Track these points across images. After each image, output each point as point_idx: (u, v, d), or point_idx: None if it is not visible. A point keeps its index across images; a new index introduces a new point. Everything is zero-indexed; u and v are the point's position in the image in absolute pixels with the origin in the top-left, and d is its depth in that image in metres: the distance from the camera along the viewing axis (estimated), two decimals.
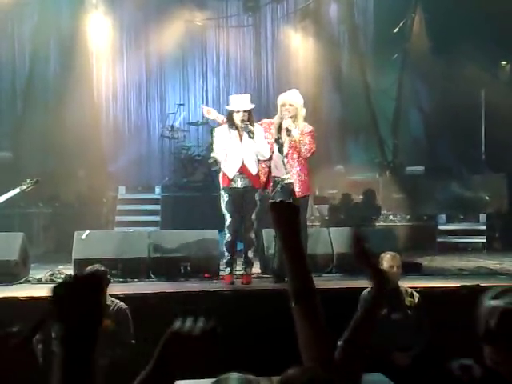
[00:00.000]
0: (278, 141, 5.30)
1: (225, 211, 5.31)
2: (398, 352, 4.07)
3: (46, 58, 10.41)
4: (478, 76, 9.89)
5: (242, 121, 5.17)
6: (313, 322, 1.35)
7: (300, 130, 5.21)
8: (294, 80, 11.26)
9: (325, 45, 11.27)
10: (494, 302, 1.45)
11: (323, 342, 1.34)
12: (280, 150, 5.30)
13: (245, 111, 5.19)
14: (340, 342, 1.41)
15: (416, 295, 4.36)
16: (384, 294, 1.48)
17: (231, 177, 5.28)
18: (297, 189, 5.25)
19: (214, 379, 1.45)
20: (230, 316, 4.59)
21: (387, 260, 4.32)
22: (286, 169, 5.29)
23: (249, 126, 5.17)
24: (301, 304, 1.37)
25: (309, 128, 5.27)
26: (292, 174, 5.26)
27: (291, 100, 5.23)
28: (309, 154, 5.25)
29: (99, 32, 10.51)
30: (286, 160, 5.29)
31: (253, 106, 5.31)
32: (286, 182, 5.32)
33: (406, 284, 4.49)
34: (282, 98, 5.31)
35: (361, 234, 1.53)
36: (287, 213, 1.47)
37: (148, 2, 10.83)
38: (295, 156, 5.25)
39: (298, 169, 5.27)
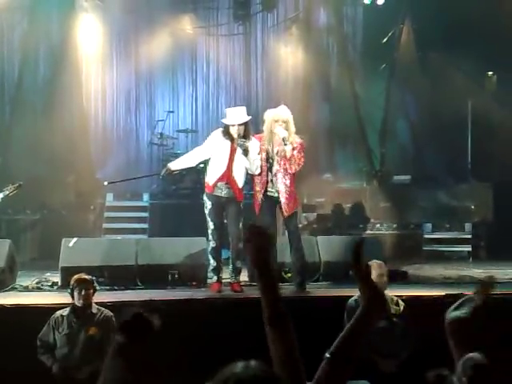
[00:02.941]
0: (267, 160, 5.34)
1: (208, 218, 5.36)
2: (383, 359, 4.10)
3: (35, 64, 10.37)
4: (464, 86, 10.02)
5: (239, 135, 5.22)
6: (283, 344, 1.38)
7: (290, 144, 5.26)
8: (283, 89, 11.34)
9: (314, 54, 11.35)
10: (453, 313, 1.49)
11: (293, 363, 1.37)
12: (270, 169, 5.36)
13: (240, 124, 5.23)
14: (327, 355, 1.42)
15: (401, 303, 4.40)
16: (375, 307, 1.49)
17: (211, 184, 5.33)
18: (285, 207, 5.31)
19: None
20: (219, 324, 4.60)
21: (375, 268, 4.35)
22: (272, 184, 5.35)
23: (245, 143, 5.20)
24: (273, 328, 1.40)
25: (298, 141, 5.31)
26: (280, 192, 5.31)
27: (284, 116, 5.28)
28: (297, 169, 5.29)
29: (89, 38, 10.50)
30: (274, 179, 5.35)
31: (249, 118, 5.34)
32: (268, 193, 5.37)
33: (391, 292, 4.53)
34: (273, 114, 5.33)
35: (361, 244, 1.55)
36: (262, 238, 1.48)
37: (139, 9, 10.85)
38: (283, 173, 5.30)
39: (288, 187, 5.31)
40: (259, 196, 5.39)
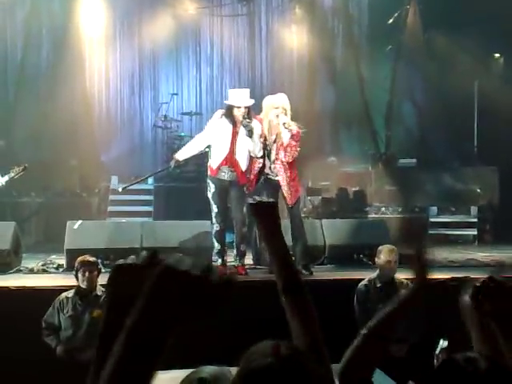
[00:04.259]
0: (266, 147, 5.31)
1: (211, 201, 5.35)
2: (393, 344, 4.08)
3: (38, 46, 10.32)
4: (471, 68, 9.92)
5: (243, 117, 5.18)
6: (301, 314, 1.36)
7: (289, 132, 5.20)
8: (287, 70, 11.26)
9: (319, 35, 11.24)
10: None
11: (312, 333, 1.34)
12: (268, 156, 5.33)
13: (245, 107, 5.19)
14: (364, 331, 1.41)
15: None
16: (424, 291, 1.48)
17: (214, 168, 5.31)
18: (288, 197, 5.28)
19: (189, 371, 1.46)
20: (223, 307, 4.61)
21: (384, 253, 4.33)
22: (271, 171, 5.34)
23: (250, 124, 5.17)
24: (289, 298, 1.38)
25: (294, 130, 5.23)
26: (281, 182, 5.29)
27: (284, 103, 5.23)
28: (291, 159, 5.25)
29: (92, 20, 10.42)
30: (273, 166, 5.32)
31: (253, 101, 5.31)
32: (269, 176, 5.35)
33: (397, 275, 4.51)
34: (273, 101, 5.27)
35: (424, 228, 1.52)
36: (265, 212, 1.48)
37: None
38: (281, 163, 5.26)
39: (288, 177, 5.28)
40: (254, 179, 5.37)
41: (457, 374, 1.14)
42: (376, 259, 4.43)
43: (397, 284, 4.29)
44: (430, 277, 1.47)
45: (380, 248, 4.41)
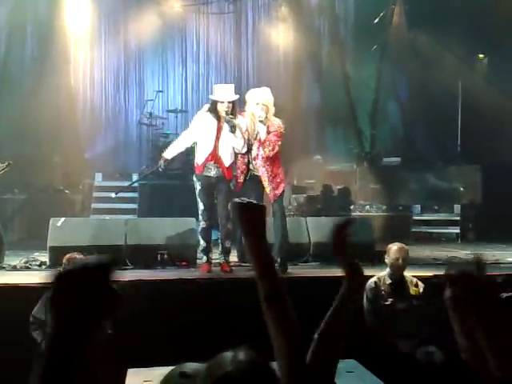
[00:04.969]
0: (249, 140, 5.32)
1: (198, 198, 5.35)
2: (402, 341, 4.12)
3: (22, 42, 10.21)
4: (455, 68, 10.02)
5: (226, 113, 5.17)
6: (282, 324, 1.34)
7: (266, 127, 5.22)
8: (273, 68, 11.28)
9: (305, 34, 11.28)
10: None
11: (293, 343, 1.33)
12: (251, 152, 5.34)
13: (229, 102, 5.19)
14: (316, 335, 1.41)
15: (421, 285, 4.41)
16: (357, 286, 1.47)
17: (200, 164, 5.30)
18: (270, 194, 5.27)
19: (170, 368, 1.47)
20: (208, 304, 4.61)
21: (393, 252, 4.36)
22: (255, 168, 5.34)
23: (233, 120, 5.16)
24: (270, 308, 1.34)
25: (275, 126, 5.24)
26: (263, 178, 5.28)
27: (265, 100, 5.23)
28: (272, 153, 5.23)
29: (77, 16, 10.33)
30: (254, 162, 5.31)
31: (237, 96, 5.30)
32: (254, 172, 5.36)
33: (378, 273, 4.55)
34: (255, 96, 5.26)
35: (345, 223, 1.50)
36: (253, 215, 1.38)
37: None
38: (261, 159, 5.26)
39: (270, 172, 5.26)
40: (241, 176, 5.37)
41: (414, 367, 1.16)
42: (385, 257, 4.45)
43: (406, 281, 4.33)
44: (359, 271, 1.46)
45: (389, 246, 4.45)
